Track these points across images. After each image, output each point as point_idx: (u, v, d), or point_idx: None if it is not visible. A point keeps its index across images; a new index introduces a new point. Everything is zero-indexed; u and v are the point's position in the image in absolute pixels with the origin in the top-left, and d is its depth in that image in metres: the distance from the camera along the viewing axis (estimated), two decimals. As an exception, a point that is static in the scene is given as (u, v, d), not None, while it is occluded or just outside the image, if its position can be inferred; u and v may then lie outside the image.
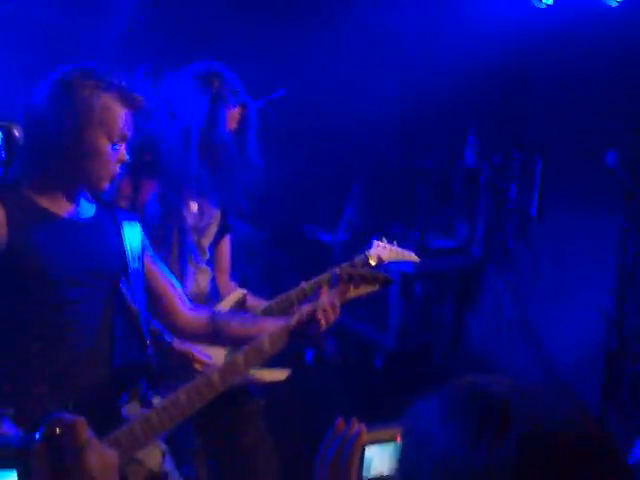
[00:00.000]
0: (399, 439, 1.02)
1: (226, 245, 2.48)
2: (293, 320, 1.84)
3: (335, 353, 4.16)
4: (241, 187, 2.31)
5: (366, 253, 2.33)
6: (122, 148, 1.71)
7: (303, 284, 2.19)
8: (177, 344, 2.10)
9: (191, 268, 2.35)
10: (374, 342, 4.36)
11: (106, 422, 1.57)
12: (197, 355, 2.11)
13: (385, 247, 2.37)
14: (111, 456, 0.91)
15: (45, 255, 1.65)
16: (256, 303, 2.30)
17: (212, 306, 2.27)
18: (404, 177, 4.49)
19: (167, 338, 2.09)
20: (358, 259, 2.31)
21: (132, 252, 1.82)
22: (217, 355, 2.15)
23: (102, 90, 1.66)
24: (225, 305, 2.30)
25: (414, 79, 4.04)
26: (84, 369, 1.71)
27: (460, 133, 4.31)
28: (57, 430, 0.86)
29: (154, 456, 1.78)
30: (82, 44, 3.30)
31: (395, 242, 2.44)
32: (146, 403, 1.74)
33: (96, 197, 1.82)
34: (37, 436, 0.86)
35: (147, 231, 2.22)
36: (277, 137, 2.47)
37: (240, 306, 2.29)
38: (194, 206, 2.32)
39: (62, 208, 1.72)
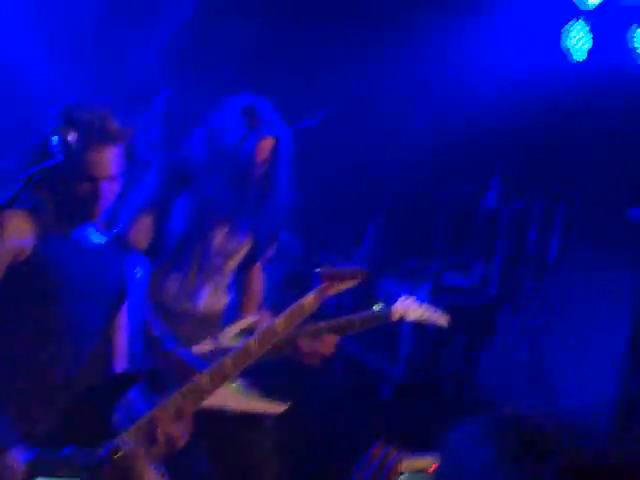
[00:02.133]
0: (432, 469, 1.04)
1: (256, 272, 2.52)
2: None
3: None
4: (270, 217, 2.37)
5: (390, 307, 2.31)
6: (105, 186, 1.76)
7: (318, 324, 2.25)
8: (178, 353, 2.13)
9: (207, 287, 2.39)
10: (383, 372, 4.35)
11: (97, 427, 1.71)
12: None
13: (412, 304, 2.33)
14: None
15: (61, 271, 1.77)
16: None
17: (221, 329, 2.31)
18: (424, 213, 4.51)
19: (168, 345, 2.13)
20: (380, 312, 2.30)
21: (134, 280, 1.98)
22: None
23: (88, 137, 1.72)
24: (233, 329, 2.32)
25: (444, 117, 4.09)
26: (78, 378, 1.81)
27: (484, 174, 4.35)
28: (118, 455, 1.03)
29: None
30: (129, 53, 3.39)
31: (426, 302, 2.39)
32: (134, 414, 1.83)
33: (108, 230, 1.96)
34: (101, 457, 0.98)
35: (170, 243, 2.29)
36: (302, 163, 2.52)
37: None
38: (223, 229, 2.38)
39: (74, 231, 1.84)
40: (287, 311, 2.10)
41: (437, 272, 4.25)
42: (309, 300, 2.10)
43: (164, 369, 2.08)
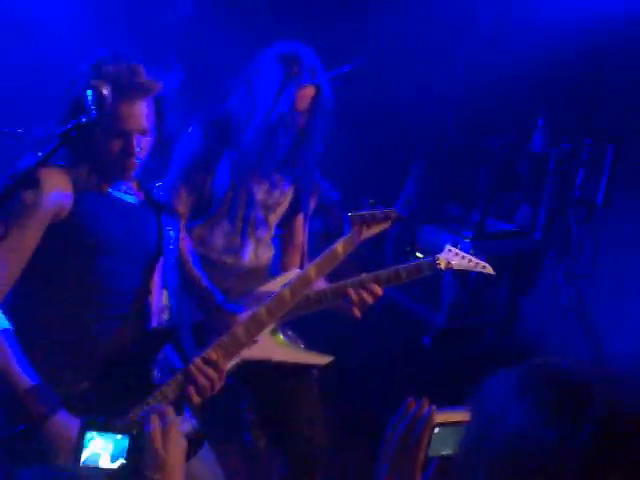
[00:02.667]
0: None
1: (299, 224, 2.49)
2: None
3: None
4: (310, 166, 2.33)
5: (435, 256, 2.23)
6: (137, 140, 1.74)
7: (363, 275, 2.20)
8: (225, 306, 2.13)
9: (252, 241, 2.41)
10: (425, 320, 4.36)
11: (138, 381, 1.77)
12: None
13: (457, 254, 2.24)
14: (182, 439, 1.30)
15: (100, 227, 1.76)
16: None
17: (267, 282, 2.32)
18: (467, 158, 4.42)
19: (218, 298, 2.16)
20: (425, 262, 2.25)
21: (168, 238, 1.95)
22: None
23: (118, 90, 1.70)
24: (279, 282, 2.32)
25: (485, 59, 3.94)
26: (119, 335, 1.83)
27: (529, 116, 4.20)
28: (154, 414, 1.27)
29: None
30: (152, 19, 3.36)
31: (472, 251, 2.29)
32: (171, 368, 1.87)
33: (144, 188, 1.95)
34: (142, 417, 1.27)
35: (214, 198, 2.30)
36: (340, 111, 2.47)
37: None
38: (265, 182, 2.37)
39: (110, 188, 1.84)
40: (319, 258, 2.09)
41: (480, 218, 4.17)
42: (341, 246, 2.08)
43: (213, 322, 2.11)
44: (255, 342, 2.04)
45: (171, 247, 1.95)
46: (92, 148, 1.75)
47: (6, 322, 1.64)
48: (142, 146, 1.77)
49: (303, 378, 2.37)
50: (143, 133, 1.76)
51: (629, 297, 3.77)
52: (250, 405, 2.48)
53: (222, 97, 2.32)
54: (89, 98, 1.63)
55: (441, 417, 1.09)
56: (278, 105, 2.18)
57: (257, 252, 2.43)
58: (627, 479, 0.70)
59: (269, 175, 2.36)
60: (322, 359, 2.27)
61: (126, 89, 1.71)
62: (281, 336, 2.29)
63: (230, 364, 2.00)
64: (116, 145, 1.74)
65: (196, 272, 2.20)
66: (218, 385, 1.84)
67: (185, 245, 2.23)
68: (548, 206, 4.28)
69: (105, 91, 1.64)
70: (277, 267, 2.48)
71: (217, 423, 2.54)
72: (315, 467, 2.37)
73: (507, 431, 0.76)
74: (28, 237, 1.68)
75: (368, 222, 2.11)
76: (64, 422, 1.59)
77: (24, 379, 1.59)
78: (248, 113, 2.23)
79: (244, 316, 2.01)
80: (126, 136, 1.73)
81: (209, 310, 2.14)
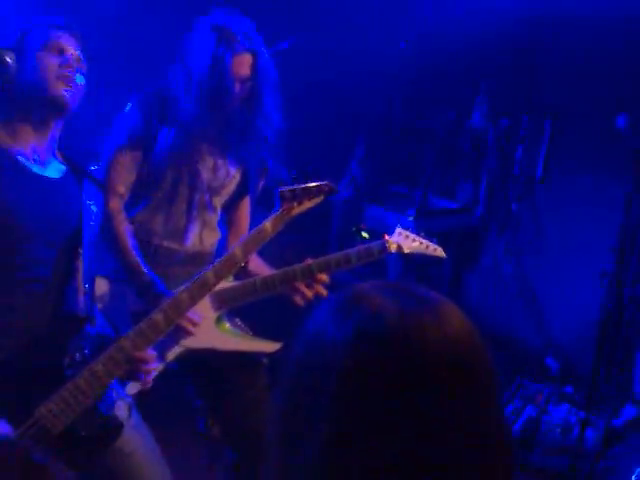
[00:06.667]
0: None
1: (245, 207, 2.41)
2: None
3: None
4: (259, 143, 2.25)
5: (386, 239, 2.20)
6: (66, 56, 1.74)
7: (309, 260, 2.16)
8: (165, 294, 2.06)
9: (197, 224, 2.32)
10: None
11: (49, 371, 1.67)
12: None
13: (408, 236, 2.21)
14: None
15: (16, 210, 1.65)
16: (259, 270, 2.27)
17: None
18: (409, 136, 4.42)
19: (160, 288, 2.07)
20: (376, 245, 2.21)
21: (89, 214, 1.84)
22: (207, 314, 2.14)
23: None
24: None
25: (424, 38, 3.94)
26: (35, 320, 1.72)
27: (468, 94, 4.23)
28: None
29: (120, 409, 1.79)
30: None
31: (422, 233, 2.26)
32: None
33: (67, 158, 1.84)
34: None
35: (156, 180, 2.19)
36: (280, 89, 2.41)
37: (241, 271, 2.22)
38: (210, 161, 2.27)
39: (32, 161, 1.73)
40: (246, 237, 2.00)
41: (423, 196, 4.19)
42: (270, 224, 1.97)
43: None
44: (175, 326, 1.92)
45: (92, 224, 1.82)
46: (14, 88, 1.70)
47: None
48: (74, 63, 1.74)
49: (251, 368, 2.32)
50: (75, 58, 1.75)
51: (570, 269, 3.87)
52: (197, 394, 2.41)
53: (159, 75, 2.23)
54: None
55: None
56: (215, 72, 2.09)
57: (202, 235, 2.34)
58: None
59: (214, 154, 2.27)
60: (271, 346, 2.23)
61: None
62: (227, 324, 2.23)
63: (171, 352, 1.94)
64: (49, 59, 1.70)
65: (135, 258, 2.10)
66: (145, 368, 1.72)
67: (124, 228, 2.13)
68: (488, 182, 4.35)
69: (10, 59, 1.64)
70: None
71: (166, 409, 2.48)
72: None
73: (311, 335, 0.83)
74: None
75: (299, 198, 1.97)
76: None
77: None
78: (185, 85, 2.14)
79: (163, 302, 1.91)
80: (59, 48, 1.73)
81: (148, 298, 2.05)
